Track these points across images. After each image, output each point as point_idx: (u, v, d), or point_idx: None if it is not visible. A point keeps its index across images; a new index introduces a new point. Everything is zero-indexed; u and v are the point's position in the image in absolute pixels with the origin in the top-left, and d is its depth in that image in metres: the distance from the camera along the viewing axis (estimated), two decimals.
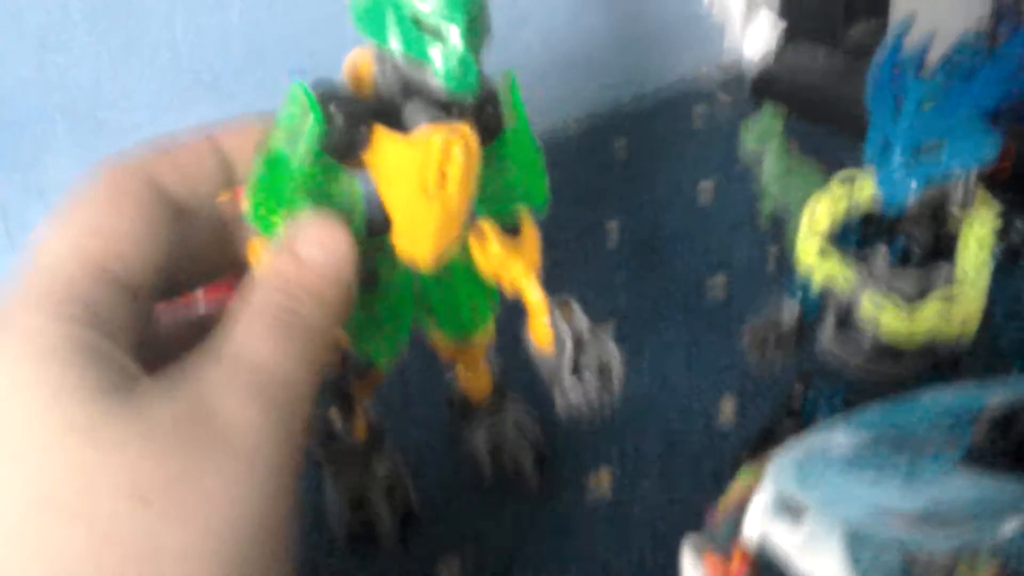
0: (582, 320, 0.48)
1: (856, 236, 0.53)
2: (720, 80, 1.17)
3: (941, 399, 0.32)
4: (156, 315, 0.34)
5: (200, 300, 0.55)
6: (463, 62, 0.38)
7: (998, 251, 0.50)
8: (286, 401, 0.29)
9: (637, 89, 1.14)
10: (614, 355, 0.48)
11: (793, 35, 1.17)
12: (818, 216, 0.52)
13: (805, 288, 0.53)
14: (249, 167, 0.36)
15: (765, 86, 1.12)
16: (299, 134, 0.38)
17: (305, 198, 0.38)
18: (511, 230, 0.48)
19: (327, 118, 0.38)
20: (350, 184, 0.40)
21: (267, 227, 0.37)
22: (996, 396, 0.32)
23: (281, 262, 0.32)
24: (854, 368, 0.52)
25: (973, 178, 0.50)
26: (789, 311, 0.54)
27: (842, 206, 0.52)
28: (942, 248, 0.51)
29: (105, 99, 0.78)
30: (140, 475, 0.25)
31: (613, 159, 1.01)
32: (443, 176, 0.39)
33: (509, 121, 0.45)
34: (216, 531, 0.25)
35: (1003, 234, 0.51)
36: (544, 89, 1.05)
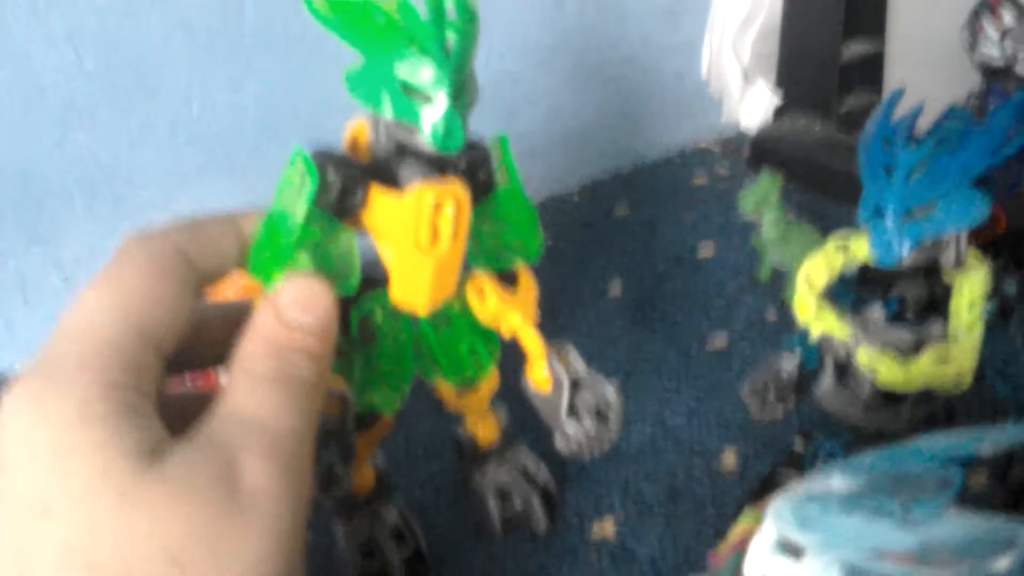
0: (579, 364, 0.50)
1: (852, 294, 0.55)
2: (718, 149, 1.21)
3: (934, 445, 0.33)
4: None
5: (188, 382, 0.57)
6: (449, 124, 0.41)
7: (990, 310, 0.52)
8: (295, 454, 0.31)
9: (638, 159, 1.18)
10: (611, 397, 0.50)
11: (789, 106, 1.21)
12: (814, 275, 0.54)
13: (804, 342, 0.55)
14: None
15: (762, 154, 1.15)
16: (298, 195, 0.40)
17: (304, 255, 0.40)
18: (508, 279, 0.51)
19: (324, 179, 0.40)
20: (348, 241, 0.43)
21: (268, 283, 0.39)
22: (988, 443, 0.34)
23: (270, 330, 0.34)
24: (852, 420, 0.54)
25: (964, 239, 0.52)
26: (788, 365, 0.56)
27: (837, 265, 0.54)
28: (935, 305, 0.53)
29: (123, 175, 0.80)
30: (174, 540, 0.26)
31: (615, 224, 1.03)
32: (436, 230, 0.41)
33: (502, 181, 0.48)
34: None
35: (994, 293, 0.53)
36: (547, 161, 1.08)
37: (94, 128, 0.77)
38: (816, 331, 0.53)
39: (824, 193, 1.06)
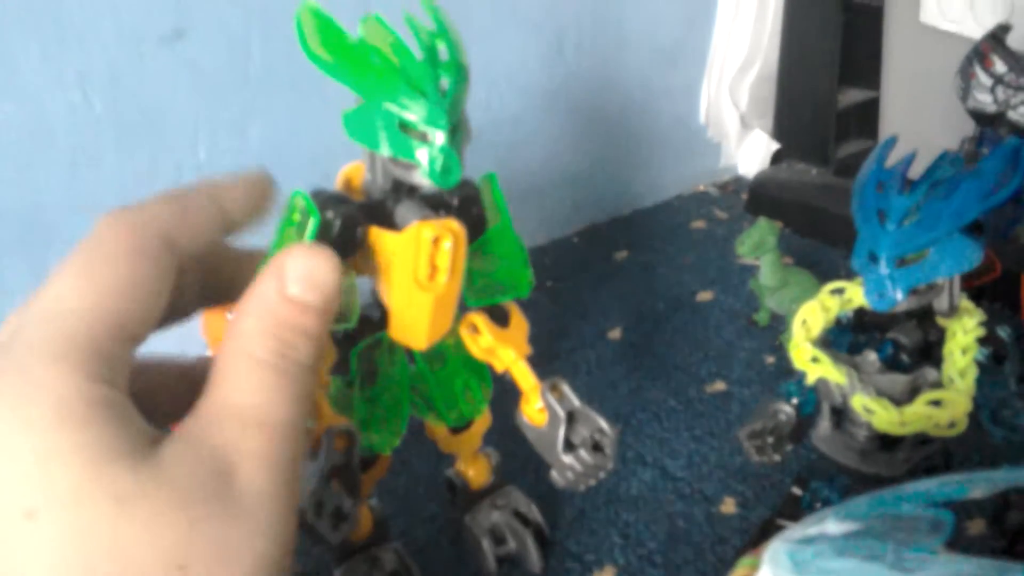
0: (573, 399, 0.51)
1: (848, 339, 0.56)
2: (716, 195, 1.22)
3: (927, 488, 0.34)
4: None
5: None
6: (448, 160, 0.42)
7: (983, 357, 0.53)
8: (291, 448, 0.29)
9: (637, 203, 1.19)
10: (606, 430, 0.51)
11: (786, 151, 1.22)
12: (810, 324, 0.55)
13: (801, 387, 0.55)
14: (241, 215, 0.37)
15: (760, 199, 1.16)
16: (300, 235, 0.41)
17: None
18: (499, 315, 0.52)
19: (325, 217, 0.41)
20: (348, 280, 0.44)
21: None
22: (980, 486, 0.34)
23: (273, 307, 0.32)
24: (849, 465, 0.54)
25: (956, 286, 0.53)
26: (786, 412, 0.56)
27: (833, 310, 0.55)
28: (930, 350, 0.53)
29: None
30: (175, 544, 0.26)
31: (614, 266, 1.04)
32: (434, 267, 0.42)
33: (493, 219, 0.49)
34: None
35: (988, 338, 0.53)
36: (547, 203, 1.10)
37: (102, 169, 0.78)
38: (812, 375, 0.53)
39: (821, 238, 1.07)
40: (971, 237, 0.51)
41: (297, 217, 0.41)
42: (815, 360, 0.53)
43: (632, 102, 1.13)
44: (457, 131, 0.43)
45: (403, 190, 0.44)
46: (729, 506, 0.68)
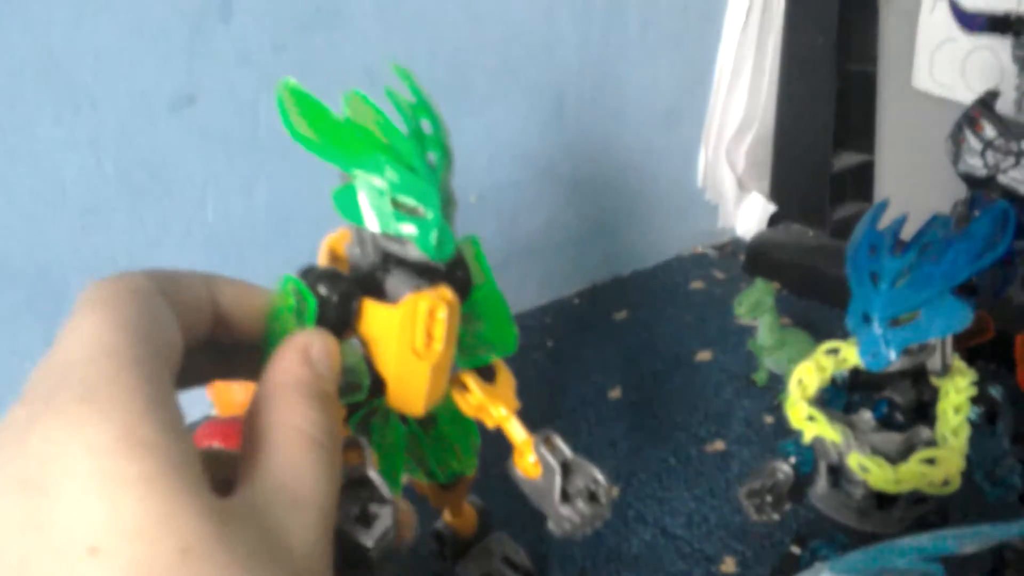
0: (565, 451, 0.52)
1: (843, 401, 0.57)
2: (714, 256, 1.24)
3: (919, 543, 0.34)
4: None
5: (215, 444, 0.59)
6: (442, 235, 0.43)
7: (975, 416, 0.54)
8: (326, 515, 0.30)
9: (637, 264, 1.20)
10: (600, 480, 0.51)
11: (783, 216, 1.24)
12: (806, 379, 0.56)
13: (798, 446, 0.56)
14: (235, 313, 0.38)
15: (757, 260, 1.18)
16: (299, 319, 0.42)
17: None
18: (486, 373, 0.53)
19: (321, 299, 0.42)
20: (355, 353, 0.44)
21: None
22: (971, 541, 0.35)
23: (308, 381, 0.33)
24: (847, 523, 0.55)
25: (949, 346, 0.54)
26: (784, 471, 0.57)
27: (828, 374, 0.56)
28: (923, 409, 0.54)
29: None
30: None
31: (614, 326, 1.06)
32: (429, 336, 0.43)
33: (477, 280, 0.50)
34: None
35: (980, 397, 0.54)
36: (548, 265, 1.11)
37: (112, 229, 0.80)
38: (809, 434, 0.54)
39: (818, 298, 1.09)
40: (962, 298, 0.52)
41: (292, 301, 0.42)
42: (811, 419, 0.54)
43: (631, 165, 1.15)
44: (447, 203, 0.44)
45: (392, 260, 0.45)
46: (729, 565, 0.68)
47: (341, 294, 0.42)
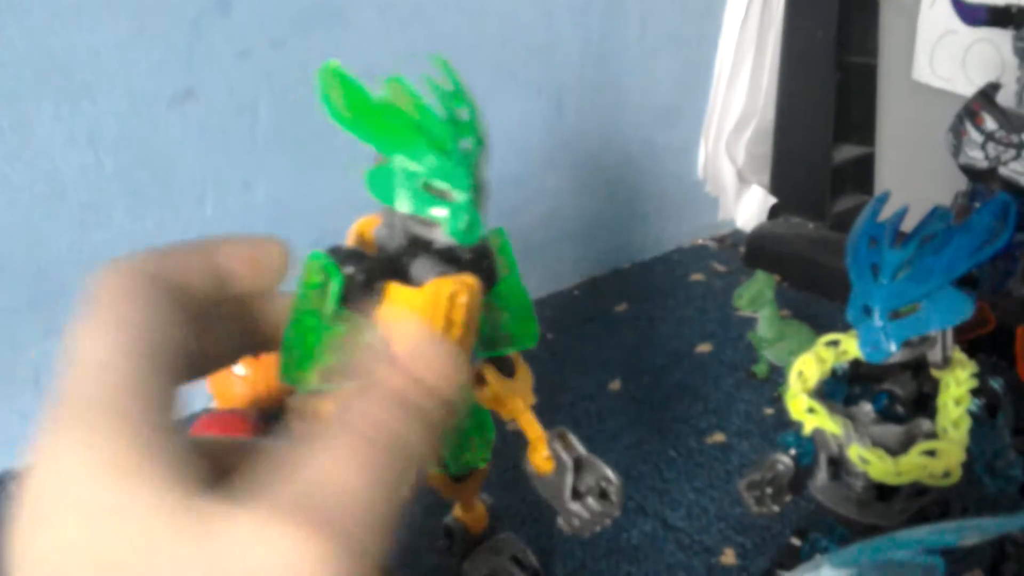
0: (579, 448, 0.52)
1: (843, 393, 0.57)
2: (714, 249, 1.24)
3: (919, 535, 0.34)
4: None
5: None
6: (472, 219, 0.43)
7: (976, 408, 0.54)
8: (366, 535, 0.26)
9: (637, 257, 1.20)
10: (612, 478, 0.51)
11: (783, 208, 1.24)
12: (806, 371, 0.56)
13: (799, 438, 0.56)
14: (240, 267, 0.38)
15: (757, 253, 1.18)
16: (323, 295, 0.42)
17: (334, 353, 0.41)
18: (505, 366, 0.53)
19: (347, 277, 0.42)
20: (373, 332, 0.44)
21: (300, 383, 0.40)
22: (971, 534, 0.35)
23: (395, 384, 0.29)
24: (847, 515, 0.55)
25: (949, 338, 0.54)
26: (784, 463, 0.57)
27: (828, 366, 0.56)
28: (923, 403, 0.54)
29: None
30: None
31: (614, 319, 1.06)
32: (449, 321, 0.43)
33: (502, 272, 0.50)
34: None
35: (980, 392, 0.54)
36: (548, 258, 1.11)
37: (111, 227, 0.80)
38: (809, 426, 0.54)
39: (818, 291, 1.09)
40: (963, 290, 0.52)
41: (317, 278, 0.42)
42: (811, 411, 0.54)
43: (631, 159, 1.15)
44: (479, 189, 0.44)
45: (419, 245, 0.45)
46: (729, 557, 0.68)
47: (368, 271, 0.42)
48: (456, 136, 0.43)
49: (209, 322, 0.33)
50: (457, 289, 0.42)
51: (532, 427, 0.51)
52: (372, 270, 0.43)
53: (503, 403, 0.52)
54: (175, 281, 0.32)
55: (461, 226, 0.43)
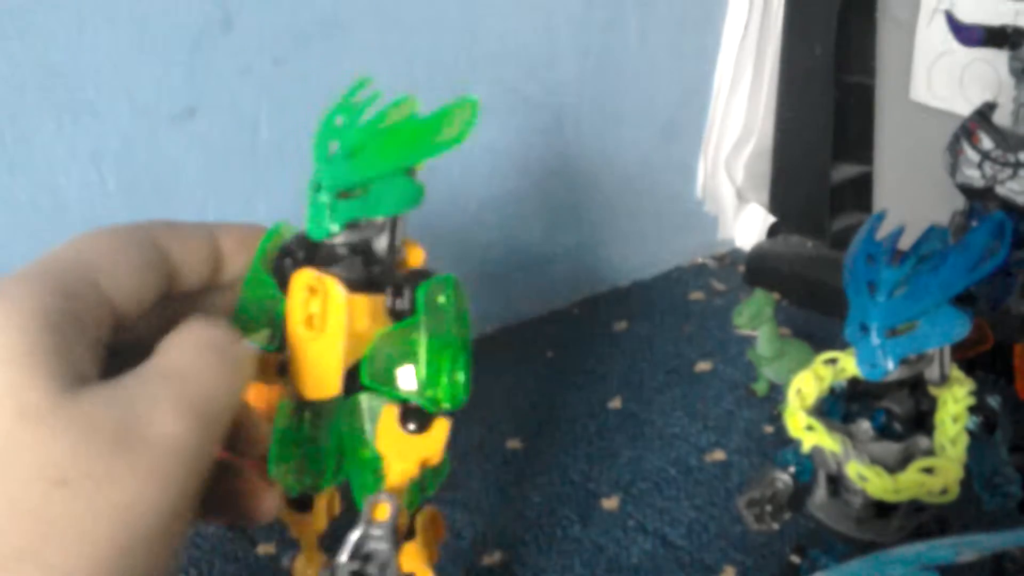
0: (384, 537, 0.46)
1: (841, 410, 0.57)
2: (714, 267, 1.24)
3: (915, 551, 0.35)
4: None
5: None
6: (315, 212, 0.42)
7: (974, 425, 0.54)
8: (209, 416, 0.30)
9: (636, 275, 1.21)
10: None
11: (782, 227, 1.24)
12: (804, 393, 0.56)
13: (797, 455, 0.56)
14: (233, 258, 0.39)
15: (756, 271, 1.18)
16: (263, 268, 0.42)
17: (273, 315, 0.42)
18: (423, 419, 0.47)
19: (277, 232, 0.42)
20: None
21: (249, 333, 0.41)
22: (968, 550, 0.35)
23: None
24: (846, 533, 0.55)
25: (947, 355, 0.54)
26: (783, 480, 0.57)
27: (826, 383, 0.56)
28: (921, 421, 0.54)
29: None
30: (65, 462, 0.27)
31: (613, 337, 1.06)
32: (311, 318, 0.41)
33: (437, 317, 0.45)
34: (122, 521, 0.27)
35: (978, 407, 0.54)
36: (548, 276, 1.11)
37: None
38: (807, 443, 0.54)
39: (817, 309, 1.09)
40: (960, 308, 0.53)
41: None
42: (810, 428, 0.54)
43: (630, 177, 1.16)
44: (360, 193, 0.43)
45: (358, 251, 0.45)
46: (729, 575, 0.69)
47: (284, 248, 0.42)
48: (323, 139, 0.42)
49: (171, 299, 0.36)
50: (314, 284, 0.42)
51: (386, 501, 0.46)
52: (290, 248, 0.42)
53: (385, 462, 0.46)
54: (171, 244, 0.35)
55: (308, 217, 0.42)
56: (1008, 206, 0.85)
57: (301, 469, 0.47)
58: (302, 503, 0.53)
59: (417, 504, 0.50)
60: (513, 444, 0.84)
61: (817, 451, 0.54)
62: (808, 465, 0.57)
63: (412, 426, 0.46)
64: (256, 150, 0.85)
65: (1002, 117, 0.88)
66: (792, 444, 0.57)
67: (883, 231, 0.56)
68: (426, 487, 0.50)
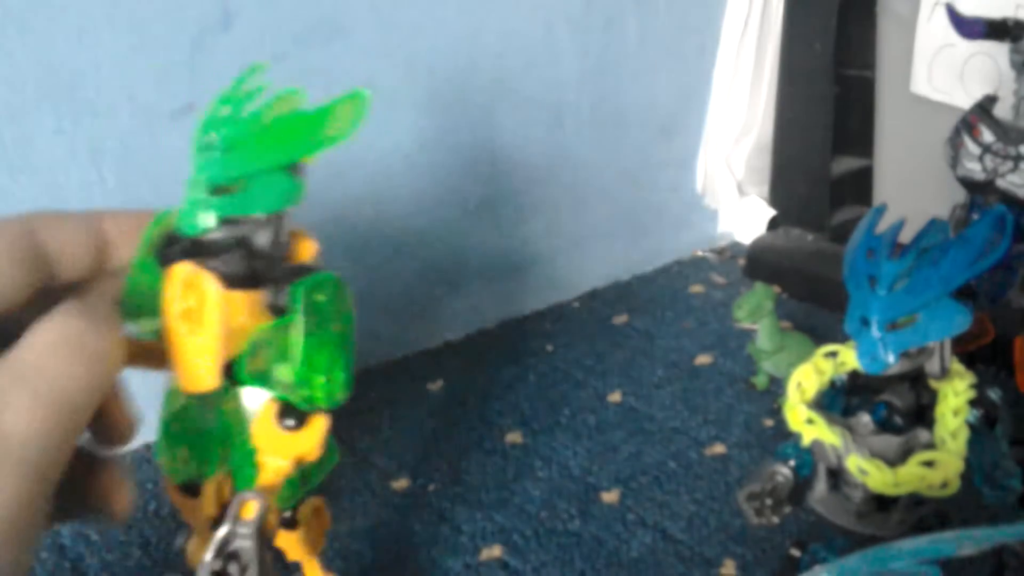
0: (247, 538, 0.47)
1: (841, 404, 0.57)
2: (714, 261, 1.24)
3: (916, 545, 0.35)
4: None
5: None
6: (190, 206, 0.41)
7: (974, 419, 0.54)
8: (64, 409, 0.30)
9: (636, 269, 1.21)
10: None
11: (782, 220, 1.24)
12: (804, 386, 0.56)
13: (798, 449, 0.56)
14: (121, 245, 0.38)
15: (757, 265, 1.18)
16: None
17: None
18: (300, 417, 0.47)
19: (166, 238, 0.41)
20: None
21: (135, 319, 0.41)
22: (968, 544, 0.35)
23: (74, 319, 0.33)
24: (846, 526, 0.55)
25: (947, 349, 0.54)
26: (783, 474, 0.57)
27: (826, 377, 0.56)
28: (922, 414, 0.55)
29: None
30: None
31: (614, 331, 1.06)
32: (188, 311, 0.42)
33: (306, 309, 0.44)
34: None
35: (978, 403, 0.54)
36: (549, 270, 1.11)
37: None
38: (808, 437, 0.54)
39: (817, 302, 1.09)
40: (961, 302, 0.53)
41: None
42: (810, 422, 0.54)
43: (631, 172, 1.16)
44: (237, 188, 0.42)
45: (238, 245, 0.44)
46: (729, 568, 0.69)
47: (168, 235, 0.41)
48: (202, 133, 0.42)
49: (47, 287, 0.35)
50: (188, 277, 0.41)
51: (263, 481, 0.45)
52: (174, 235, 0.41)
53: (260, 457, 0.46)
54: (47, 235, 0.35)
55: (184, 218, 0.41)
56: (1009, 199, 0.85)
57: (187, 456, 0.47)
58: (191, 488, 0.51)
59: (299, 497, 0.50)
60: (513, 438, 0.84)
61: (817, 445, 0.54)
62: (808, 459, 0.57)
63: (290, 423, 0.46)
64: None
65: (1003, 110, 0.88)
66: (792, 438, 0.57)
67: (883, 224, 0.56)
68: (309, 479, 0.50)
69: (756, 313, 0.86)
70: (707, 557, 0.70)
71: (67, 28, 0.73)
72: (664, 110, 1.16)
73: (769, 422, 0.86)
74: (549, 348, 1.01)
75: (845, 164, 1.19)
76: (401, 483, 0.79)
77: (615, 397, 0.92)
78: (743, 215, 1.26)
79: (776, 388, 0.90)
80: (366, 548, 0.72)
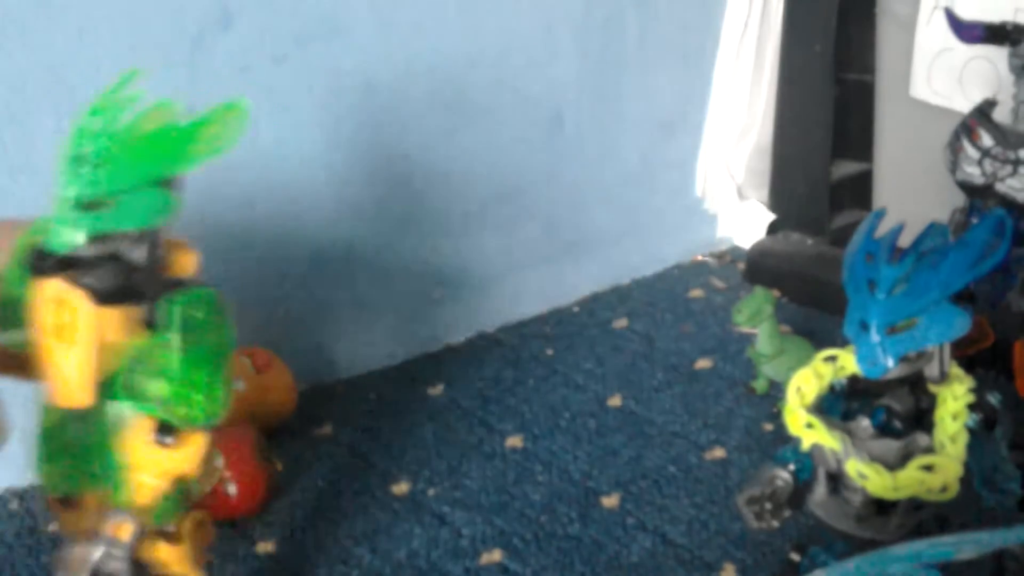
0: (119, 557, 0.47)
1: (841, 408, 0.57)
2: (714, 265, 1.24)
3: (916, 549, 0.35)
4: None
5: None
6: (58, 222, 0.42)
7: (973, 423, 0.54)
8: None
9: (636, 273, 1.21)
10: None
11: (782, 224, 1.24)
12: (804, 390, 0.56)
13: (797, 454, 0.56)
14: None
15: (756, 269, 1.18)
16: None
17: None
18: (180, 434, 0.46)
19: (37, 251, 0.42)
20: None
21: (5, 328, 0.41)
22: (968, 547, 0.35)
23: None
24: (845, 530, 0.55)
25: (946, 353, 0.54)
26: (783, 478, 0.57)
27: (826, 381, 0.56)
28: (921, 418, 0.54)
29: None
30: None
31: (614, 335, 1.06)
32: (60, 328, 0.41)
33: (183, 326, 0.45)
34: None
35: (977, 407, 0.54)
36: (548, 274, 1.11)
37: None
38: (807, 441, 0.54)
39: (817, 306, 1.09)
40: (960, 306, 0.53)
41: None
42: (809, 426, 0.54)
43: (630, 175, 1.16)
44: (103, 208, 0.42)
45: (111, 260, 0.44)
46: (729, 572, 0.69)
47: (38, 250, 0.42)
48: (78, 145, 0.42)
49: None
50: (58, 293, 0.41)
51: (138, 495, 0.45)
52: (45, 254, 0.42)
53: (133, 476, 0.46)
54: None
55: (52, 235, 0.42)
56: (1008, 203, 0.85)
57: (66, 470, 0.47)
58: (70, 501, 0.52)
59: (180, 511, 0.50)
60: (513, 442, 0.84)
61: (817, 449, 0.54)
62: (808, 463, 0.57)
63: (168, 440, 0.46)
64: (256, 149, 0.85)
65: (1002, 114, 0.88)
66: (792, 442, 0.57)
67: (883, 228, 0.56)
68: (191, 493, 0.49)
69: (756, 317, 0.86)
70: (707, 561, 0.70)
71: (67, 28, 0.73)
72: (664, 111, 1.16)
73: (769, 426, 0.86)
74: (549, 352, 1.01)
75: (845, 168, 1.19)
76: (401, 487, 0.79)
77: (615, 401, 0.92)
78: (743, 219, 1.26)
79: (776, 392, 0.90)
80: (366, 552, 0.72)
